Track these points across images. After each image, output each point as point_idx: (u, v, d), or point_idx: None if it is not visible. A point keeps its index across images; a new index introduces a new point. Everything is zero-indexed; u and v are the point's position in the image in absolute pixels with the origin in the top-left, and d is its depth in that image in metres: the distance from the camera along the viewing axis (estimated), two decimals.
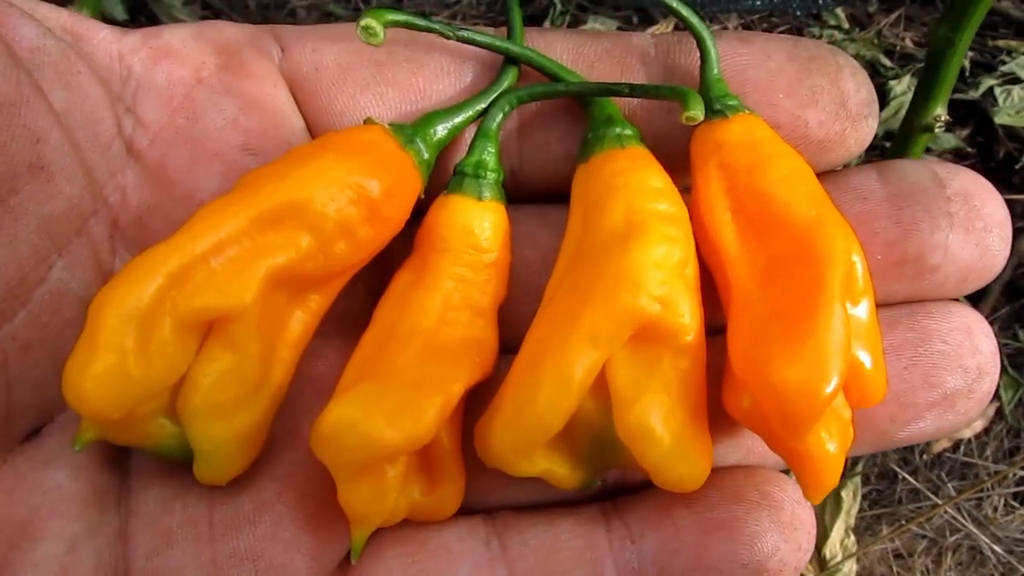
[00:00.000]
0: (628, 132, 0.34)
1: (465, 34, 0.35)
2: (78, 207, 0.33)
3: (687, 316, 0.31)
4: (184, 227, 0.31)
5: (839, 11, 0.91)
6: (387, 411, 0.30)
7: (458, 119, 0.35)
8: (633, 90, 0.34)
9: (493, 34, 0.37)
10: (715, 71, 0.35)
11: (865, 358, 0.31)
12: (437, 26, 0.35)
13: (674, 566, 0.33)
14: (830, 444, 0.30)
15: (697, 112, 0.31)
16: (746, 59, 0.36)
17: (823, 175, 0.35)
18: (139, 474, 0.35)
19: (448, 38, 0.35)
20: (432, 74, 0.37)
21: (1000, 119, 0.86)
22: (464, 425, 0.34)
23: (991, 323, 0.80)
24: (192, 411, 0.31)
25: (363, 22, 0.32)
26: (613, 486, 0.36)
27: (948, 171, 0.35)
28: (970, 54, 0.86)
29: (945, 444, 0.84)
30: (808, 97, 0.35)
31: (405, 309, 0.33)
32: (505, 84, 0.36)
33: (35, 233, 0.31)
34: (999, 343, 0.81)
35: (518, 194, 0.37)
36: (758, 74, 0.35)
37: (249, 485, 0.34)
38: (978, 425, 0.84)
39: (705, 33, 0.35)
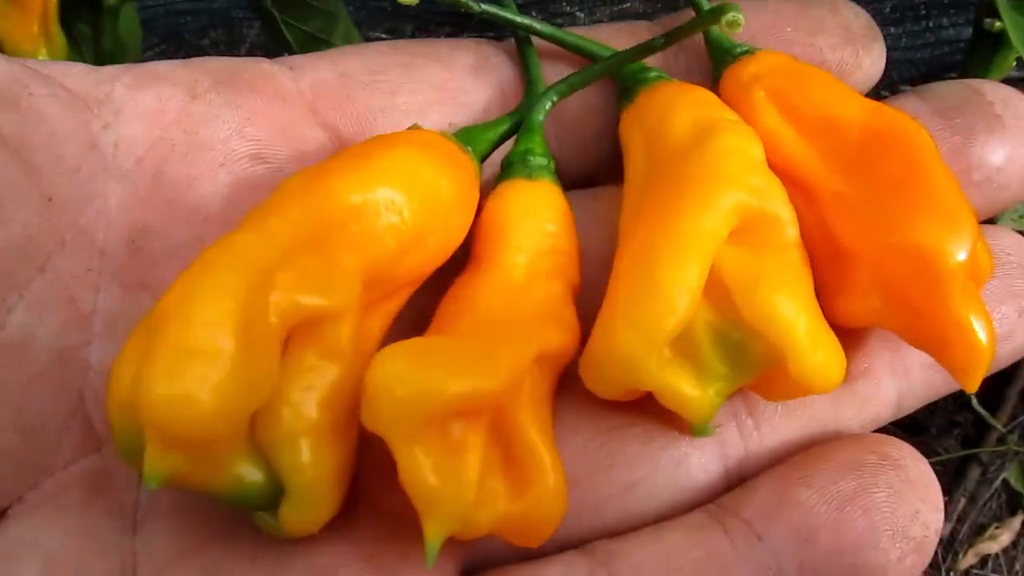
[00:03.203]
0: (665, 74, 0.35)
1: (489, 8, 0.36)
2: (38, 238, 0.29)
3: (784, 206, 0.30)
4: (260, 216, 0.27)
5: None
6: (448, 360, 0.26)
7: (497, 131, 0.35)
8: (668, 39, 0.34)
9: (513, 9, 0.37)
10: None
11: None
12: None
13: (814, 554, 0.30)
14: (980, 311, 0.28)
15: (738, 15, 0.31)
16: (749, 9, 0.37)
17: None
18: (150, 558, 0.29)
19: (473, 12, 0.35)
20: (462, 70, 0.37)
21: None
22: None
23: (1011, 431, 0.78)
24: (284, 432, 0.26)
25: None
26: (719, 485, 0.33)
27: (979, 83, 0.37)
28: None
29: (972, 560, 0.81)
30: (814, 26, 0.37)
31: (466, 292, 0.31)
32: (536, 68, 0.37)
33: None
34: (1022, 452, 0.79)
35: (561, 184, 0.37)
36: (761, 17, 0.37)
37: (299, 549, 0.29)
38: (1005, 539, 0.81)
39: None
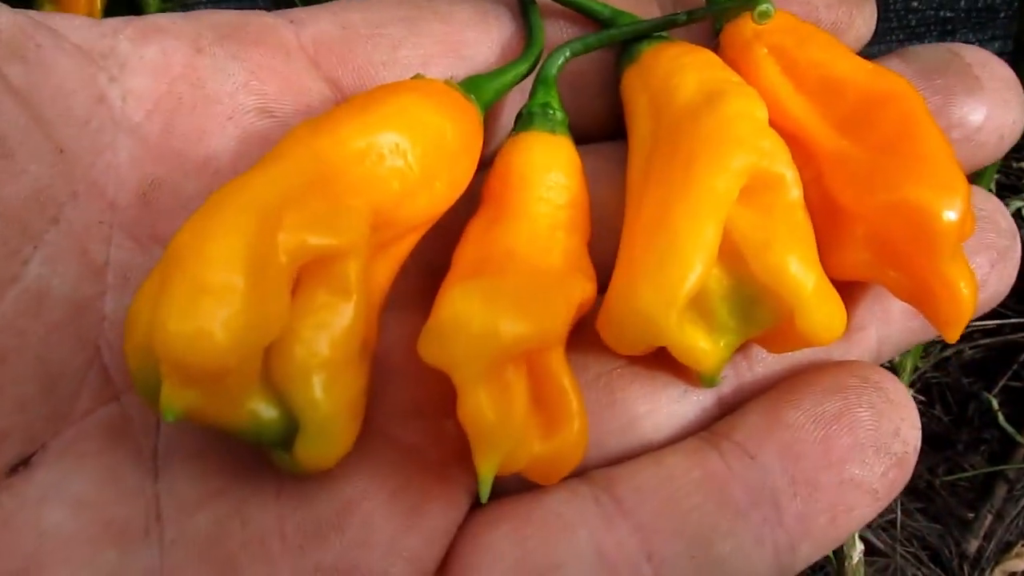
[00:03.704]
0: (666, 35, 0.36)
1: None
2: (50, 190, 0.29)
3: (790, 168, 0.31)
4: (274, 156, 0.28)
5: None
6: (512, 302, 0.27)
7: (500, 81, 0.35)
8: (691, 15, 0.35)
9: None
10: None
11: None
12: None
13: (804, 470, 0.31)
14: (966, 268, 0.30)
15: (770, 6, 0.32)
16: None
17: None
18: (173, 499, 0.29)
19: None
20: (462, 24, 0.37)
21: None
22: None
23: None
24: (297, 368, 0.26)
25: None
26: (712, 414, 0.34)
27: (959, 47, 0.38)
28: (996, 176, 0.86)
29: None
30: None
31: (495, 236, 0.31)
32: (539, 42, 0.37)
33: None
34: None
35: None
36: None
37: (323, 485, 0.30)
38: None
39: None
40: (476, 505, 0.32)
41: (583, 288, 0.30)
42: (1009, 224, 0.37)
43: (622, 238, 0.32)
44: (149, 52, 0.33)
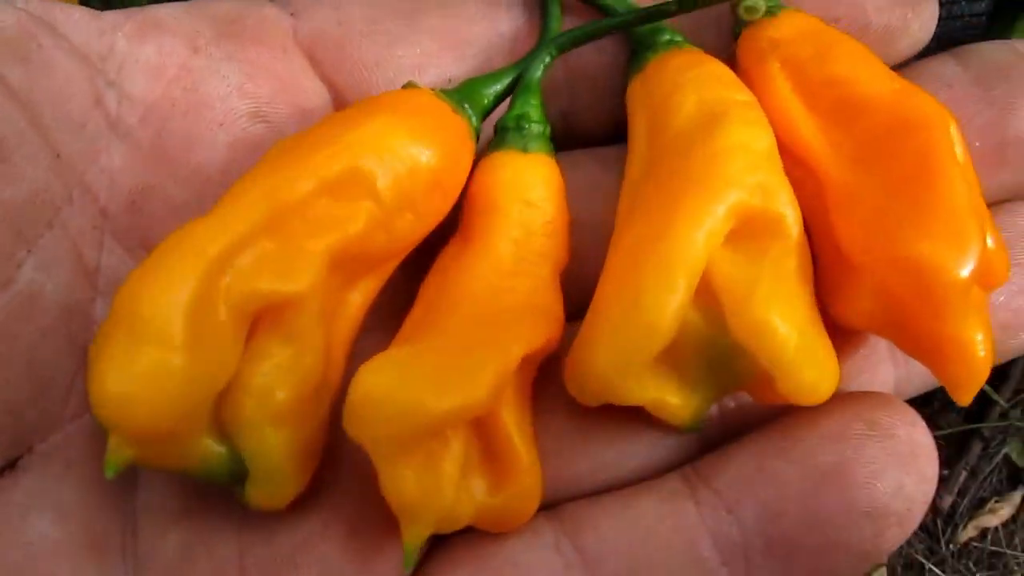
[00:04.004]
0: (678, 37, 0.33)
1: None
2: (46, 193, 0.29)
3: (789, 206, 0.28)
4: (227, 200, 0.27)
5: None
6: (432, 374, 0.26)
7: (502, 84, 0.33)
8: (681, 5, 0.32)
9: None
10: None
11: (987, 237, 0.28)
12: None
13: (783, 531, 0.29)
14: (979, 327, 0.27)
15: (758, 1, 0.29)
16: None
17: (897, 68, 0.33)
18: (149, 515, 0.30)
19: None
20: (468, 20, 0.35)
21: None
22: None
23: (1014, 407, 0.79)
24: (246, 419, 0.26)
25: None
26: (696, 447, 0.32)
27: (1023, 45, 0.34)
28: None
29: (972, 533, 0.82)
30: None
31: (453, 276, 0.30)
32: (556, 19, 0.34)
33: None
34: (1019, 427, 0.79)
35: (573, 139, 0.35)
36: None
37: (286, 520, 0.30)
38: (1005, 512, 0.81)
39: None
40: (438, 543, 0.31)
41: (533, 338, 0.28)
42: None
43: (603, 271, 0.29)
44: (146, 52, 0.32)
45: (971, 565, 0.82)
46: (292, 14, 0.35)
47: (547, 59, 0.34)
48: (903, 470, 0.29)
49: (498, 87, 0.33)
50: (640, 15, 0.33)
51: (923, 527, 0.83)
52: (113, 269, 0.31)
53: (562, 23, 0.35)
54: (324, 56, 0.34)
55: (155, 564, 0.29)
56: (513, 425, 0.28)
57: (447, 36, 0.34)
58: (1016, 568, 0.81)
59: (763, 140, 0.29)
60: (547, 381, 0.31)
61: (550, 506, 0.31)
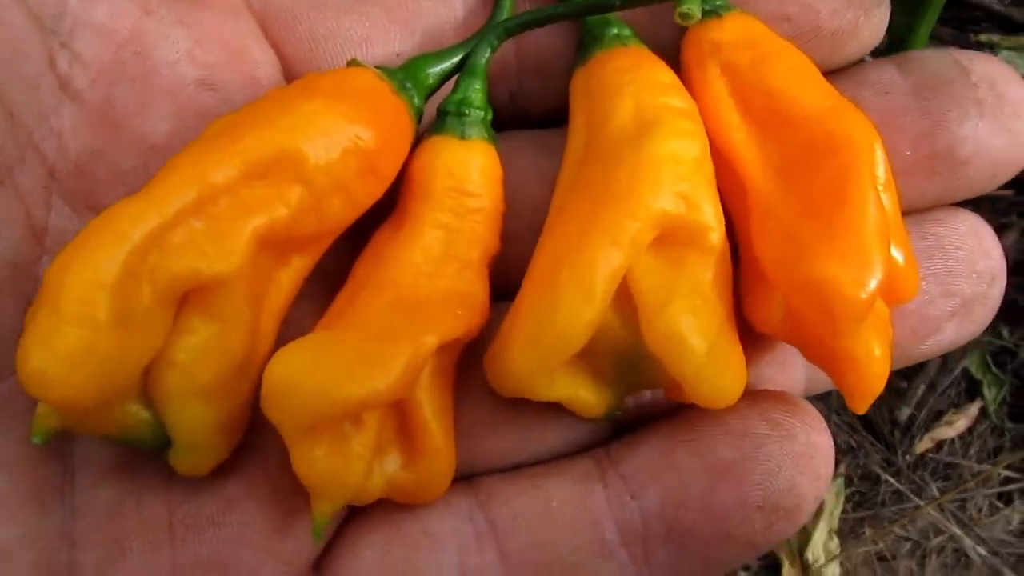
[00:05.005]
0: (627, 32, 0.33)
1: None
2: (1, 153, 0.30)
3: (712, 216, 0.29)
4: (157, 180, 0.27)
5: None
6: (345, 361, 0.27)
7: (449, 63, 0.33)
8: (624, 2, 0.32)
9: None
10: None
11: (897, 253, 0.29)
12: None
13: (682, 519, 0.31)
14: (875, 344, 0.29)
15: (693, 8, 0.30)
16: None
17: (838, 72, 0.35)
18: (86, 466, 0.31)
19: None
20: None
21: None
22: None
23: None
24: (169, 393, 0.28)
25: None
26: (611, 428, 0.34)
27: (969, 57, 0.34)
28: (953, 48, 0.84)
29: (928, 445, 0.84)
30: None
31: (381, 261, 0.31)
32: (505, 5, 0.34)
33: None
34: (983, 341, 0.79)
35: (521, 119, 0.36)
36: None
37: (213, 480, 0.31)
38: (961, 424, 0.83)
39: None
40: (355, 511, 0.32)
41: (451, 325, 0.29)
42: (990, 265, 0.34)
43: (528, 268, 0.30)
44: (98, 13, 0.32)
45: (926, 476, 0.84)
46: None
47: (493, 44, 0.34)
48: (798, 469, 0.31)
49: (444, 66, 0.33)
50: (585, 7, 0.33)
51: (880, 438, 0.85)
52: (60, 229, 0.32)
53: (514, 6, 0.35)
54: (274, 24, 0.34)
55: (89, 514, 0.31)
56: (429, 407, 0.30)
57: (398, 10, 0.34)
58: (970, 478, 0.83)
59: (693, 150, 0.29)
60: (472, 361, 0.32)
61: (467, 477, 0.32)
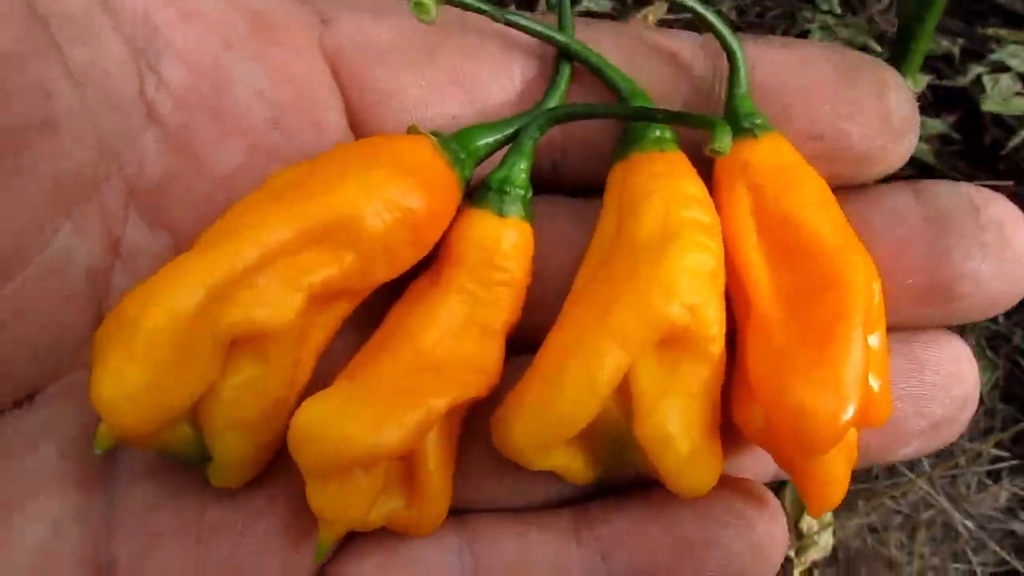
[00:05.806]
0: (667, 135, 0.35)
1: (514, 19, 0.36)
2: (89, 170, 0.32)
3: (715, 327, 0.32)
4: (223, 233, 0.30)
5: None
6: (364, 417, 0.30)
7: (501, 135, 0.35)
8: (668, 117, 0.34)
9: (542, 21, 0.37)
10: (743, 88, 0.35)
11: (874, 382, 0.32)
12: (488, 8, 0.35)
13: None
14: (839, 465, 0.32)
15: (723, 146, 0.31)
16: (787, 65, 0.36)
17: (857, 191, 0.36)
18: (128, 464, 0.34)
19: (497, 21, 0.35)
20: (483, 62, 0.37)
21: (987, 106, 0.87)
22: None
23: None
24: (213, 424, 0.31)
25: None
26: (594, 487, 0.37)
27: (983, 197, 0.35)
28: (960, 42, 0.86)
29: None
30: (851, 109, 0.35)
31: (408, 318, 0.34)
32: (559, 89, 0.36)
33: (40, 194, 0.30)
34: (979, 327, 0.81)
35: (559, 186, 0.38)
36: (799, 82, 0.36)
37: (243, 491, 0.34)
38: None
39: (735, 46, 0.35)
40: (354, 536, 0.35)
41: (464, 390, 0.32)
42: (964, 390, 0.36)
43: (543, 345, 0.33)
44: (184, 39, 0.34)
45: None
46: (323, 21, 0.36)
47: (543, 129, 0.35)
48: (752, 556, 0.34)
49: (496, 138, 0.35)
50: (629, 113, 0.35)
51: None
52: (134, 242, 0.34)
53: (568, 89, 0.36)
54: (344, 69, 0.36)
55: (126, 508, 0.33)
56: (433, 459, 0.33)
57: (459, 74, 0.36)
58: (962, 455, 0.85)
59: (708, 264, 0.32)
60: (481, 411, 0.34)
61: (459, 512, 0.35)
